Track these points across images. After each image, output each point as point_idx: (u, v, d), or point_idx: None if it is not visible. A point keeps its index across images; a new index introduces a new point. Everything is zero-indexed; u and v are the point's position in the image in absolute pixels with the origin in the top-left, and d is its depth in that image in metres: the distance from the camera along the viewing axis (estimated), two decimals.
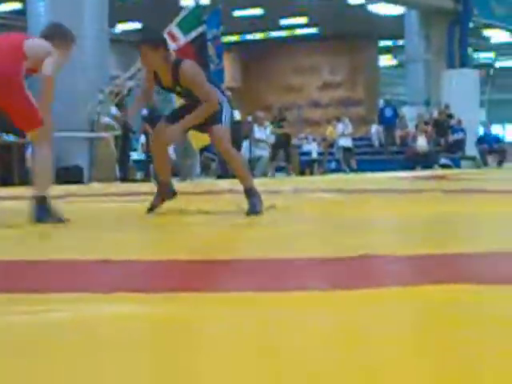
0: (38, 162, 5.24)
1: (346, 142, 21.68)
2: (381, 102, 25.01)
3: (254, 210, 5.43)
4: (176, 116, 5.60)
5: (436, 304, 2.22)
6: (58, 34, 5.44)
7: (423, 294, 2.34)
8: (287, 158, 18.68)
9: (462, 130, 22.75)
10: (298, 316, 2.10)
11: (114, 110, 14.55)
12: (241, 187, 5.67)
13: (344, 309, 2.19)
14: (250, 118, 18.98)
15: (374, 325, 1.98)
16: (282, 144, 18.30)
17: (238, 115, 17.39)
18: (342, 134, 21.79)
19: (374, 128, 24.07)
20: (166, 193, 5.84)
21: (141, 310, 2.20)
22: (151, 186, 7.91)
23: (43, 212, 5.01)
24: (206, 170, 18.20)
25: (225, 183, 11.53)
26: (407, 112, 24.78)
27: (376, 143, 23.73)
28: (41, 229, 4.80)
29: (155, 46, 5.43)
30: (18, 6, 23.35)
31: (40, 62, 5.11)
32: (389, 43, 33.94)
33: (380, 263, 3.07)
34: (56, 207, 5.14)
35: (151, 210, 5.78)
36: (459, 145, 22.75)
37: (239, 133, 17.10)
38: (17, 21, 22.84)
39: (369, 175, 16.54)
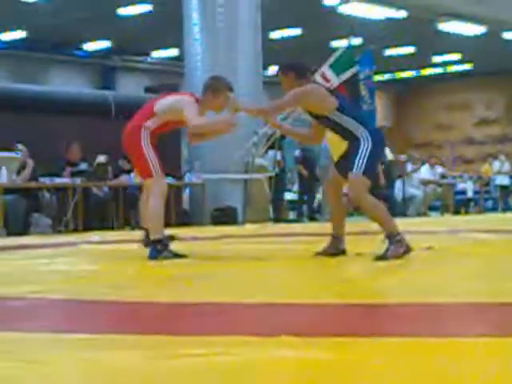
0: (150, 209, 6.01)
1: (503, 180, 21.05)
2: None
3: (385, 256, 5.18)
4: (344, 165, 5.47)
5: None
6: (209, 87, 6.23)
7: None
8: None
9: None
10: (459, 364, 2.06)
11: (274, 153, 14.75)
12: (400, 228, 5.57)
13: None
14: (402, 157, 18.78)
15: None
16: None
17: (390, 154, 17.26)
18: (499, 171, 21.19)
19: None
20: (335, 248, 5.65)
21: (305, 354, 2.21)
22: (305, 227, 7.95)
23: (156, 252, 5.80)
24: (357, 210, 18.12)
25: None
26: None
27: None
28: (198, 270, 4.93)
29: (285, 73, 5.60)
30: (175, 52, 24.19)
31: (177, 115, 5.99)
32: None
33: None
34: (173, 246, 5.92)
35: (319, 254, 5.64)
36: None
37: (391, 172, 16.96)
38: (174, 66, 23.68)
39: None
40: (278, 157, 14.93)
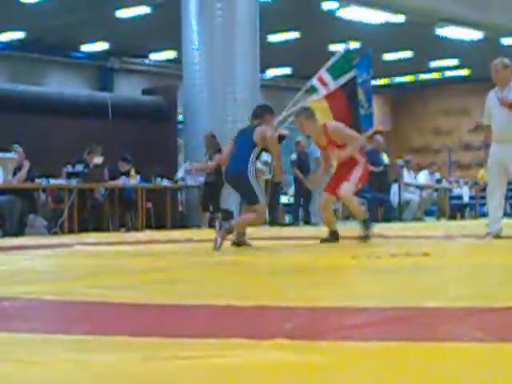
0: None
1: None
2: None
3: None
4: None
5: None
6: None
7: None
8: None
9: None
10: (454, 368, 2.06)
11: (265, 155, 14.73)
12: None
13: (501, 362, 2.13)
14: (400, 162, 18.79)
15: None
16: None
17: (386, 159, 17.28)
18: None
19: None
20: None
21: (300, 358, 2.21)
22: (300, 230, 7.96)
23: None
24: (353, 214, 18.13)
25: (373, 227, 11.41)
26: None
27: None
28: (194, 272, 4.92)
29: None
30: (173, 54, 24.20)
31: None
32: None
33: None
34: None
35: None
36: None
37: (387, 176, 16.98)
38: (172, 69, 23.69)
39: None
40: (267, 157, 14.81)
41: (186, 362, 2.15)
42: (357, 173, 7.78)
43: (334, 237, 8.13)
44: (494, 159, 8.15)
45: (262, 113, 7.81)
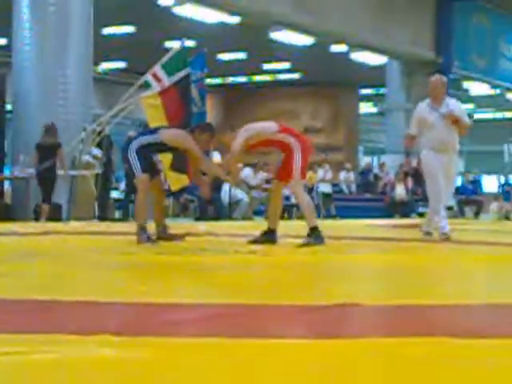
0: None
1: (326, 188, 21.78)
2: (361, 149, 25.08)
3: None
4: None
5: (414, 357, 2.23)
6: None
7: (400, 346, 2.36)
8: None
9: None
10: (276, 364, 2.11)
11: (94, 149, 14.51)
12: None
13: (321, 359, 2.20)
14: None
15: (348, 377, 1.99)
16: None
17: (219, 158, 17.43)
18: (322, 179, 21.89)
19: (342, 175, 24.13)
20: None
21: (123, 353, 2.20)
22: (130, 226, 7.92)
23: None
24: (184, 211, 18.20)
25: (203, 225, 11.52)
26: (387, 160, 24.88)
27: (345, 189, 23.79)
28: (22, 266, 4.79)
29: None
30: (2, 41, 23.40)
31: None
32: (370, 91, 34.25)
33: (360, 313, 3.09)
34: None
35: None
36: None
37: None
38: (1, 56, 22.90)
39: (347, 222, 16.59)
40: (96, 151, 14.59)
41: (3, 358, 2.09)
42: (296, 160, 6.96)
43: (268, 237, 7.14)
44: (437, 166, 8.46)
45: (195, 128, 7.63)
